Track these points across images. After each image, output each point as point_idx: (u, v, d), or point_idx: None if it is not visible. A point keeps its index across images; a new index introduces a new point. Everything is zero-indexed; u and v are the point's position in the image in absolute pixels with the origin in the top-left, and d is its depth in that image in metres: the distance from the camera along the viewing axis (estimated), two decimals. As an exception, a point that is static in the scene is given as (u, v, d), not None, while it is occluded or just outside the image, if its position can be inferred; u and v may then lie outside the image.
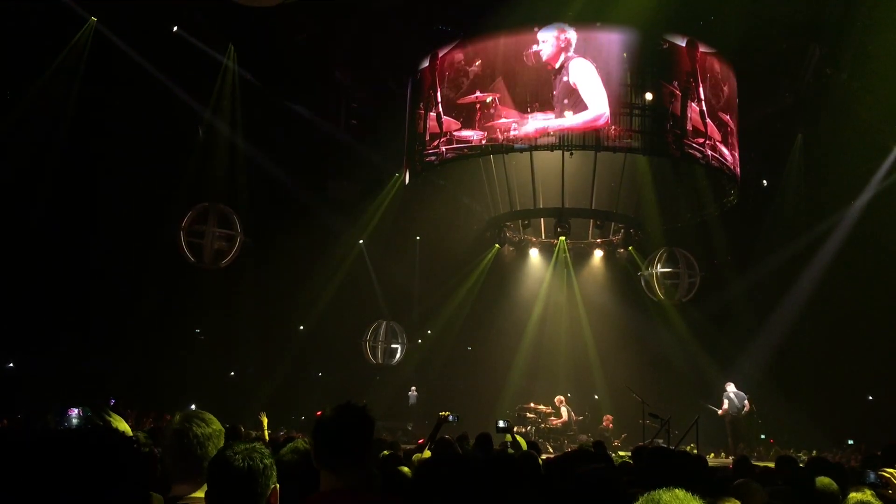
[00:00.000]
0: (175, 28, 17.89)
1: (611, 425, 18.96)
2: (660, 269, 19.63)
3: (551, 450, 17.12)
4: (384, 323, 22.81)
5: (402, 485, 4.43)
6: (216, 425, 3.02)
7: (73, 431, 1.29)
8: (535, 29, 17.22)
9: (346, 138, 21.69)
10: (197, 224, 17.75)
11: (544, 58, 17.12)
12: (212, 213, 17.92)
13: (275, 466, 2.62)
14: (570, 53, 17.02)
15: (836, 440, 18.08)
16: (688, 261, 19.65)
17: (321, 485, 2.83)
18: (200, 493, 2.80)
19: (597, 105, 16.87)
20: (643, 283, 20.15)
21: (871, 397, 19.84)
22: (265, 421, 9.04)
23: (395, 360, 22.76)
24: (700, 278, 19.60)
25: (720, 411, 17.24)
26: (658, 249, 19.89)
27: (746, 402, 17.34)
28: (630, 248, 20.79)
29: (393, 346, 22.79)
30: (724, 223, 20.90)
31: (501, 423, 9.13)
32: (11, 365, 18.90)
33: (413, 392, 22.65)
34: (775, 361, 20.48)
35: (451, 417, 7.89)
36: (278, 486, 2.62)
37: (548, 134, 17.01)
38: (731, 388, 17.62)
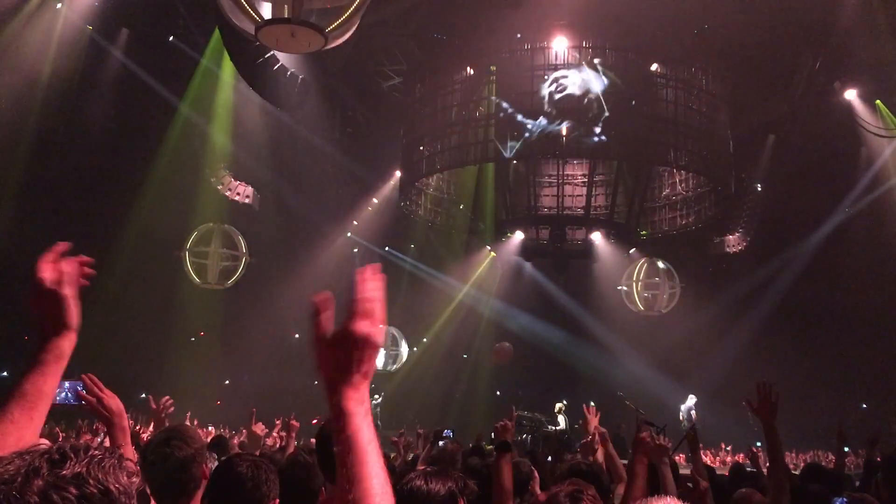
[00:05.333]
0: (171, 38, 17.91)
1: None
2: (639, 280, 19.50)
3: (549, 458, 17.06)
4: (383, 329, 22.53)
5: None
6: (197, 443, 2.84)
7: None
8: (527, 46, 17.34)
9: (341, 146, 21.68)
10: (201, 245, 17.72)
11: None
12: (216, 233, 17.85)
13: (277, 481, 2.60)
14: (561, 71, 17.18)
15: (831, 447, 18.10)
16: (668, 272, 19.50)
17: (325, 493, 2.82)
18: None
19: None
20: (623, 296, 19.95)
21: (864, 405, 19.90)
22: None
23: (397, 365, 22.45)
24: (681, 289, 19.45)
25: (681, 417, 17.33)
26: (637, 261, 19.80)
27: (694, 413, 17.39)
28: (627, 255, 20.81)
29: (393, 351, 22.50)
30: (722, 229, 21.00)
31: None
32: (5, 373, 18.83)
33: (377, 398, 22.25)
34: (771, 367, 20.49)
35: (445, 432, 7.89)
36: (278, 500, 2.58)
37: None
38: (690, 400, 17.75)
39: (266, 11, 7.05)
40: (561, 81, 17.00)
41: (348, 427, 1.28)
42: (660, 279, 19.47)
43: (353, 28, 7.17)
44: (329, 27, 6.93)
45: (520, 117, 17.13)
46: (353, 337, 1.31)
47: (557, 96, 16.93)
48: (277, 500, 2.57)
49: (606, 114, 16.77)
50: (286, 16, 6.86)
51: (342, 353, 1.31)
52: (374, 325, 1.34)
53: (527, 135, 17.06)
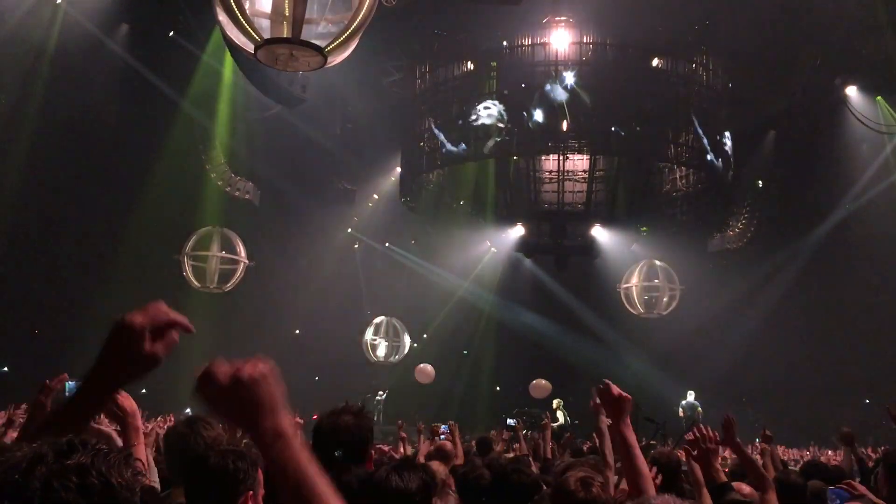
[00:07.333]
0: (172, 33, 17.86)
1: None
2: (639, 282, 19.26)
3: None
4: (385, 320, 22.41)
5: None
6: (219, 429, 2.93)
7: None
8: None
9: (341, 141, 21.67)
10: (199, 249, 17.63)
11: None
12: (216, 236, 17.74)
13: (253, 471, 2.56)
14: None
15: (832, 444, 18.14)
16: (668, 274, 19.28)
17: None
18: None
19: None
20: (622, 297, 19.73)
21: (867, 400, 19.91)
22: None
23: (399, 356, 22.25)
24: (680, 291, 19.22)
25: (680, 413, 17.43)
26: (636, 263, 19.61)
27: (700, 408, 17.42)
28: (629, 250, 20.79)
29: (396, 343, 22.30)
30: (723, 226, 20.97)
31: (511, 422, 9.23)
32: (6, 369, 18.85)
33: (381, 395, 22.18)
34: (773, 363, 20.51)
35: (443, 427, 7.93)
36: (252, 492, 2.54)
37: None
38: (690, 396, 17.80)
39: (265, 29, 6.87)
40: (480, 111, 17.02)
41: (294, 447, 1.35)
42: (659, 281, 19.24)
43: (353, 46, 7.07)
44: (328, 46, 6.82)
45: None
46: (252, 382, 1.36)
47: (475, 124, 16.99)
48: (251, 493, 2.52)
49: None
50: (285, 35, 6.69)
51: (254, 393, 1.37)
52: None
53: (530, 125, 17.00)
